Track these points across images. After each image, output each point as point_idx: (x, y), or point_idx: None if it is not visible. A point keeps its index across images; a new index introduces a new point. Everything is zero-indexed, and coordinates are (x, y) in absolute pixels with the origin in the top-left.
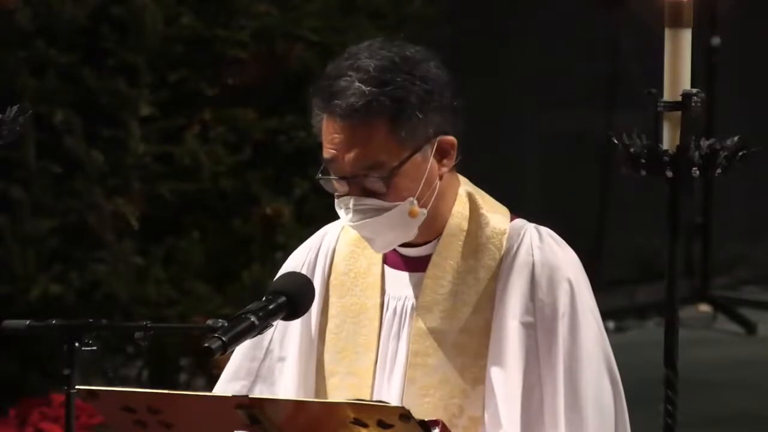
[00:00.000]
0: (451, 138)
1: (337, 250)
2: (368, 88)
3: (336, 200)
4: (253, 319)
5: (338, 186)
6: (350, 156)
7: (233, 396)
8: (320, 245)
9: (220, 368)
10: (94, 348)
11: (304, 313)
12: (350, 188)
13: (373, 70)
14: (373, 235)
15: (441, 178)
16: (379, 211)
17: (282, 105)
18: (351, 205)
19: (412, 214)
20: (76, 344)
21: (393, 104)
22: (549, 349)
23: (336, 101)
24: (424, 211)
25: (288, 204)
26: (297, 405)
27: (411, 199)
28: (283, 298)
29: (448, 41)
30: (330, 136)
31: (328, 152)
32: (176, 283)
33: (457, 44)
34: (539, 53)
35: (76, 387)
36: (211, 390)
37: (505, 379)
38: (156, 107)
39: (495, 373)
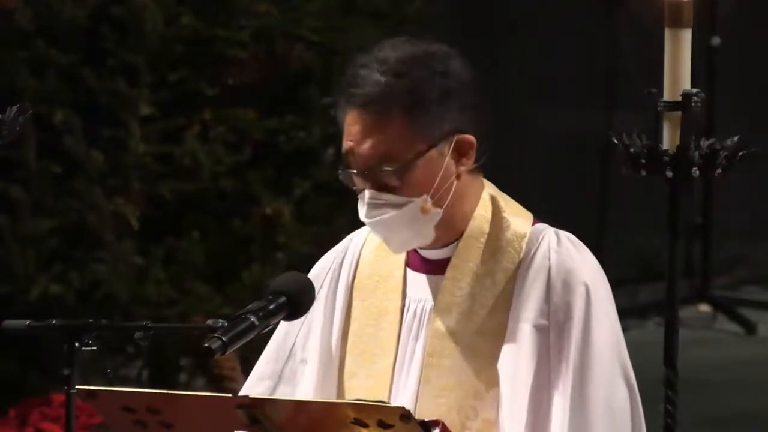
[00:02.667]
0: (470, 137)
1: (363, 255)
2: (386, 79)
3: (358, 197)
4: (253, 319)
5: (356, 180)
6: (365, 147)
7: (233, 396)
8: (346, 250)
9: (221, 368)
10: (94, 348)
11: (304, 314)
12: (366, 182)
13: (394, 62)
14: (387, 233)
15: (459, 177)
16: (392, 206)
17: (282, 105)
18: (366, 200)
19: (424, 212)
20: (76, 344)
21: (409, 96)
22: (560, 351)
23: (354, 90)
24: (439, 210)
25: (288, 204)
26: (297, 405)
27: (425, 196)
28: (283, 298)
29: (447, 41)
30: (348, 128)
31: (346, 143)
32: (176, 283)
33: (457, 45)
34: (539, 53)
35: (76, 387)
36: (211, 390)
37: (514, 382)
38: (156, 107)
39: (505, 375)
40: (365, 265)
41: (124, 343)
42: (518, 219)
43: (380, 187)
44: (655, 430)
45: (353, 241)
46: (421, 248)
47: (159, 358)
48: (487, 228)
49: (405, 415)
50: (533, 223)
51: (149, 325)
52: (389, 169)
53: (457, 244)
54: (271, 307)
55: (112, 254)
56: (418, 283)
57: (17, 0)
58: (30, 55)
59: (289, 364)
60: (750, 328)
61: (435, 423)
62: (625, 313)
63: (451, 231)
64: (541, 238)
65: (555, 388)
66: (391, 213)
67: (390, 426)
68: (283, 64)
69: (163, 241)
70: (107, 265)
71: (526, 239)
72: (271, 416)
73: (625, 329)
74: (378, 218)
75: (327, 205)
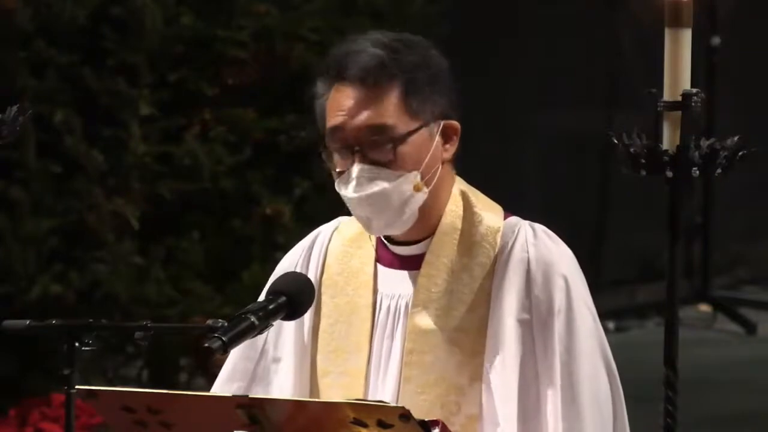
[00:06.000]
0: (455, 123)
1: (330, 250)
2: (383, 53)
3: (337, 179)
4: (253, 319)
5: (340, 160)
6: (360, 119)
7: (233, 396)
8: (313, 245)
9: (221, 368)
10: (94, 348)
11: (304, 313)
12: (355, 156)
13: (388, 41)
14: (372, 210)
15: (442, 164)
16: (384, 180)
17: (282, 105)
18: (355, 174)
19: (416, 189)
20: (76, 344)
21: (406, 72)
22: (545, 345)
23: (350, 66)
24: (426, 190)
25: (288, 204)
26: (297, 405)
27: (416, 172)
28: (283, 298)
29: (448, 41)
30: (339, 104)
31: (335, 119)
32: (176, 283)
33: (458, 44)
34: (540, 53)
35: (76, 387)
36: (209, 391)
37: (503, 377)
38: (156, 107)
39: (492, 370)
40: (333, 260)
41: (124, 343)
42: (490, 213)
43: (370, 162)
44: (655, 430)
45: (320, 236)
46: (392, 243)
47: (159, 358)
48: (459, 223)
49: (405, 414)
50: (505, 217)
51: (149, 325)
52: (383, 140)
53: (430, 241)
54: (271, 307)
55: (112, 254)
56: (390, 279)
57: (17, 0)
58: (30, 55)
59: (262, 363)
60: (750, 328)
61: (435, 423)
62: (625, 313)
63: (424, 226)
64: (516, 231)
65: (543, 383)
66: (384, 185)
67: (389, 426)
68: (283, 64)
69: (163, 241)
70: (107, 265)
71: (500, 233)
72: (270, 416)
73: (625, 329)
74: (368, 192)
75: (327, 205)
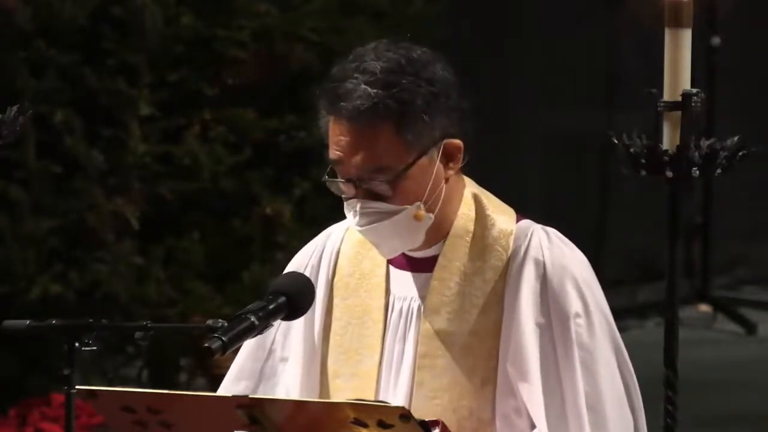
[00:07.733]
0: (457, 141)
1: (342, 252)
2: (374, 91)
3: (344, 203)
4: (253, 319)
5: (345, 188)
6: (356, 159)
7: (233, 396)
8: (324, 246)
9: (221, 368)
10: (94, 348)
11: (304, 313)
12: (357, 191)
13: (380, 73)
14: (379, 240)
15: (447, 181)
16: (385, 215)
17: (282, 105)
18: (358, 209)
19: (417, 218)
20: (76, 344)
21: (399, 107)
22: (565, 350)
23: (342, 103)
24: (431, 215)
25: (288, 204)
26: (297, 405)
27: (418, 203)
28: (283, 298)
29: (448, 42)
30: (336, 138)
31: (334, 154)
32: (176, 283)
33: (458, 45)
34: (539, 53)
35: (76, 387)
36: (211, 390)
37: (528, 380)
38: (156, 107)
39: (517, 376)
40: (345, 261)
41: (124, 343)
42: (502, 216)
43: (371, 196)
44: (655, 430)
45: (332, 236)
46: None
47: (159, 358)
48: (471, 226)
49: (405, 414)
50: (517, 220)
51: (149, 325)
52: (380, 179)
53: (443, 243)
54: (271, 307)
55: (112, 254)
56: (402, 280)
57: (17, 0)
58: (30, 55)
59: (269, 363)
60: (750, 328)
61: (435, 423)
62: (625, 313)
63: (437, 231)
64: (529, 234)
65: (566, 387)
66: (384, 221)
67: (390, 426)
68: (283, 64)
69: (163, 241)
70: (107, 265)
71: (512, 236)
72: (270, 416)
73: (624, 329)
74: (370, 226)
75: (327, 205)
